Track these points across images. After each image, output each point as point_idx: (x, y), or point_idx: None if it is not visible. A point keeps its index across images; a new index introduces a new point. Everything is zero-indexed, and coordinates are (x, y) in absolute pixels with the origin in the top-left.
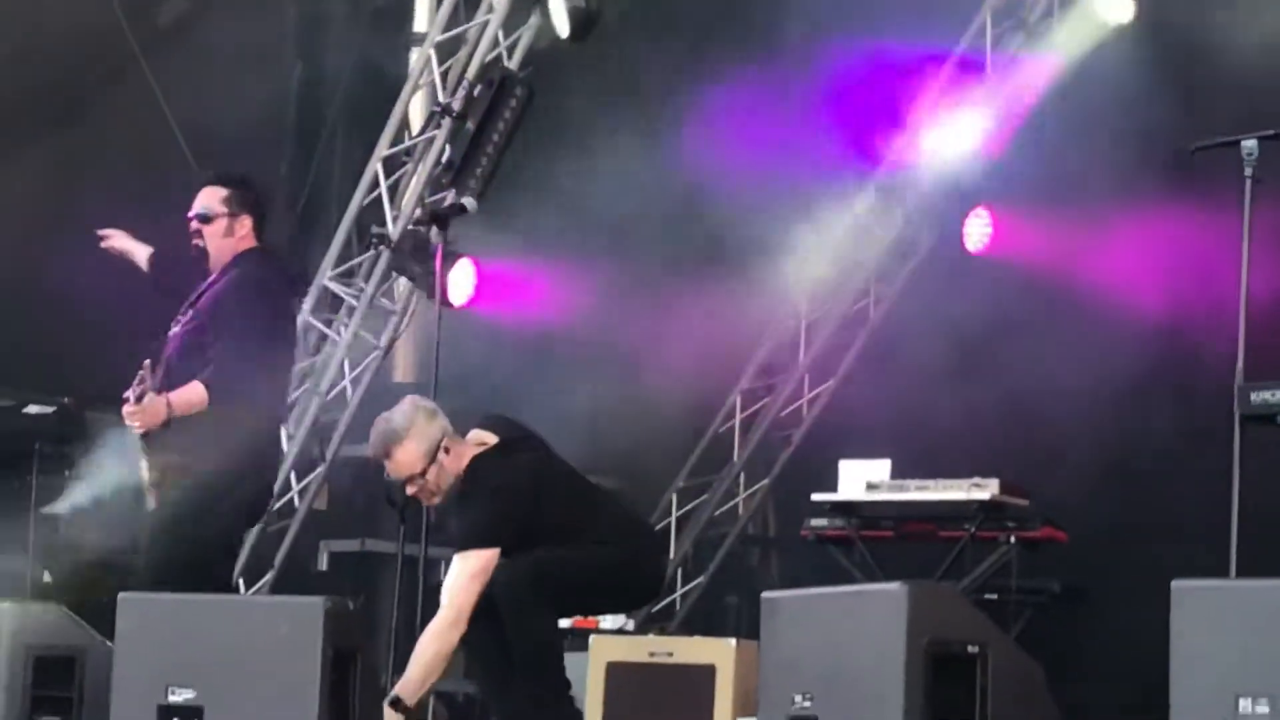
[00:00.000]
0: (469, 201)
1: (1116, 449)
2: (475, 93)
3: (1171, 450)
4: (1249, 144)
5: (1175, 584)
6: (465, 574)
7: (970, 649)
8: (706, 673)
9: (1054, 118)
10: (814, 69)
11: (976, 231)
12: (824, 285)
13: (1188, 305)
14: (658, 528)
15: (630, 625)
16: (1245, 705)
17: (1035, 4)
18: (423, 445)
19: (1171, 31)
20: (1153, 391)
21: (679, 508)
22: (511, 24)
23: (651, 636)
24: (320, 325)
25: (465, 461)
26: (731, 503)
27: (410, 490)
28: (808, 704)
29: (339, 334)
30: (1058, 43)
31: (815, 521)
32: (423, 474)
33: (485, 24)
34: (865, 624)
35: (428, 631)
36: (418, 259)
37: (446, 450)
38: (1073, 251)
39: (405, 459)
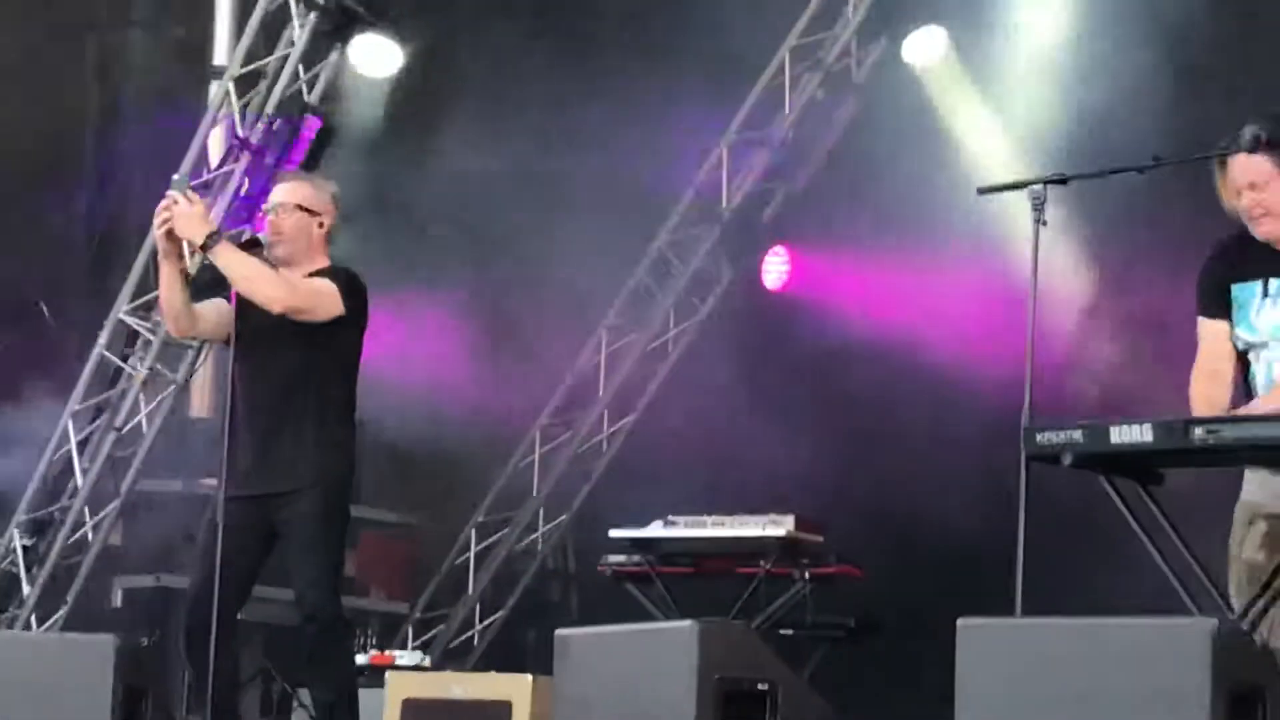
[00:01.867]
0: (263, 237)
1: (910, 486)
2: (274, 127)
3: (964, 487)
4: (1036, 188)
5: (961, 621)
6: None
7: (760, 686)
8: (503, 709)
9: (852, 157)
10: (612, 103)
11: (775, 268)
12: (625, 319)
13: (978, 344)
14: (457, 562)
15: (427, 661)
16: None
17: (834, 44)
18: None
19: (974, 71)
20: (944, 429)
21: (478, 542)
22: (312, 58)
23: (448, 673)
24: (116, 360)
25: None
26: (531, 537)
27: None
28: None
29: (135, 368)
30: (857, 83)
31: (613, 558)
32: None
33: (285, 58)
34: (657, 662)
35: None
36: (217, 292)
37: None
38: (869, 290)
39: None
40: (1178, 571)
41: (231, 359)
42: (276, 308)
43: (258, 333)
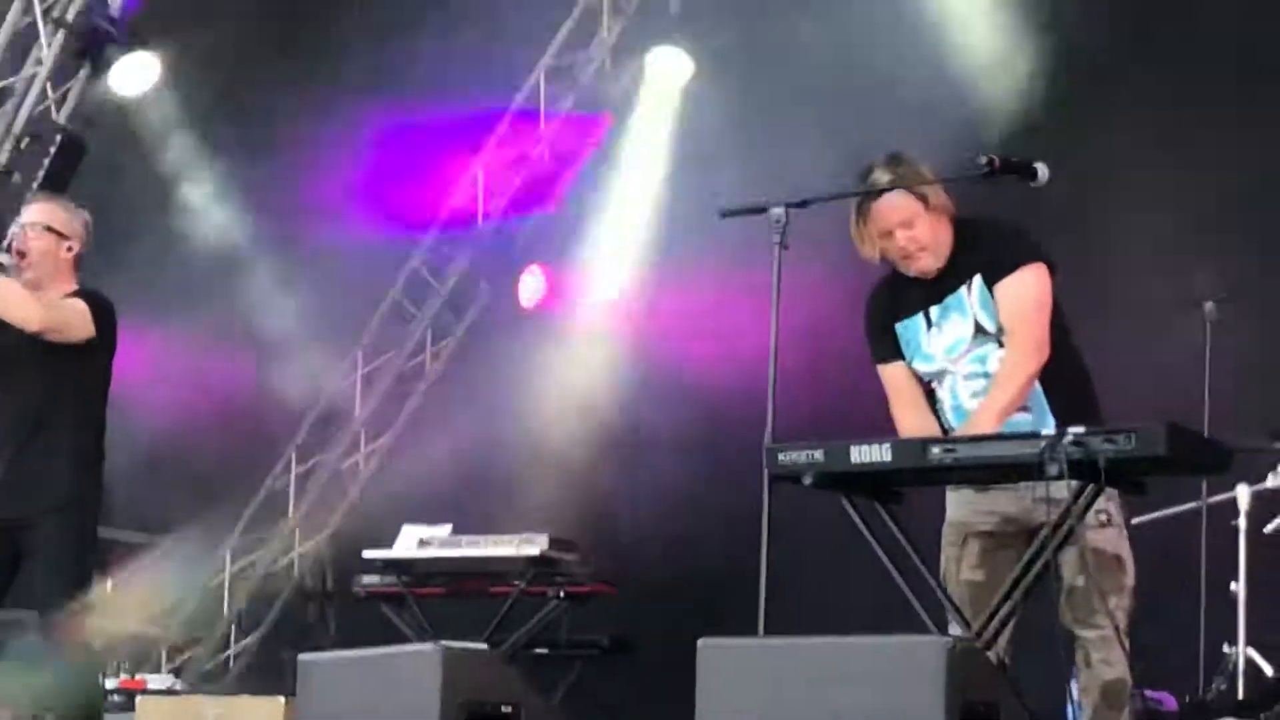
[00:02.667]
0: (6, 259)
1: (663, 504)
2: (23, 146)
3: (714, 505)
4: (777, 210)
5: (701, 642)
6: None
7: (505, 709)
8: None
9: (606, 175)
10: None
11: (531, 286)
12: (381, 339)
13: (732, 363)
14: (211, 583)
15: (179, 685)
16: None
17: (588, 64)
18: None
19: (728, 88)
20: (698, 447)
21: (233, 563)
22: (61, 78)
23: (200, 697)
24: None
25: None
26: (287, 558)
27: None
28: None
29: None
30: (610, 100)
31: (367, 578)
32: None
33: (33, 77)
34: (400, 686)
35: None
36: None
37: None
38: (625, 308)
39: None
40: (915, 590)
41: None
42: (32, 326)
43: (3, 356)
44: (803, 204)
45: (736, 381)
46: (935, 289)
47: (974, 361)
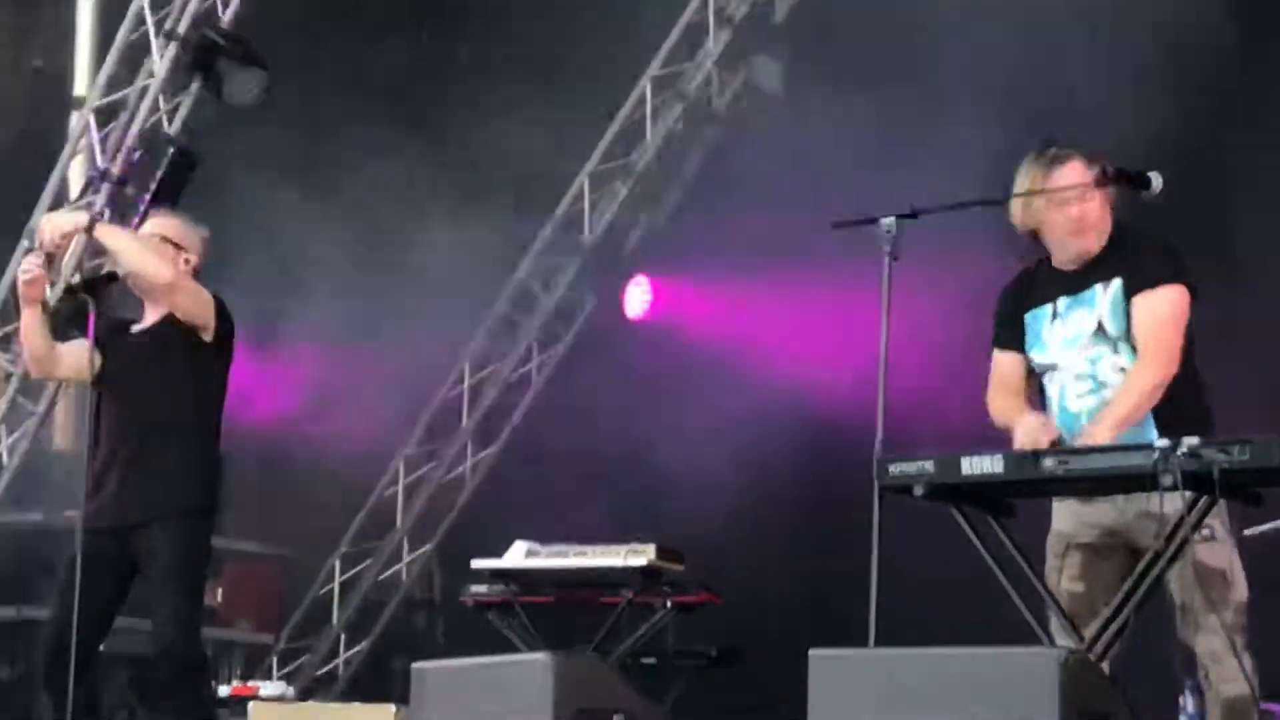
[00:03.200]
0: (121, 270)
1: (773, 513)
2: (135, 158)
3: (825, 516)
4: (887, 221)
5: (812, 652)
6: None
7: (616, 717)
8: None
9: (713, 187)
10: (475, 132)
11: (637, 297)
12: (488, 349)
13: (838, 374)
14: (321, 592)
15: (290, 692)
16: None
17: (695, 75)
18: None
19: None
20: (805, 458)
21: (342, 573)
22: (173, 89)
23: (311, 704)
24: None
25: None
26: (396, 568)
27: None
28: None
29: None
30: (717, 110)
31: (475, 588)
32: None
33: (145, 89)
34: (513, 694)
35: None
36: (76, 325)
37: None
38: (730, 318)
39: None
40: (1028, 601)
41: (94, 393)
42: (165, 278)
43: (122, 366)
44: (913, 215)
45: (845, 392)
46: (1073, 281)
47: (1087, 362)
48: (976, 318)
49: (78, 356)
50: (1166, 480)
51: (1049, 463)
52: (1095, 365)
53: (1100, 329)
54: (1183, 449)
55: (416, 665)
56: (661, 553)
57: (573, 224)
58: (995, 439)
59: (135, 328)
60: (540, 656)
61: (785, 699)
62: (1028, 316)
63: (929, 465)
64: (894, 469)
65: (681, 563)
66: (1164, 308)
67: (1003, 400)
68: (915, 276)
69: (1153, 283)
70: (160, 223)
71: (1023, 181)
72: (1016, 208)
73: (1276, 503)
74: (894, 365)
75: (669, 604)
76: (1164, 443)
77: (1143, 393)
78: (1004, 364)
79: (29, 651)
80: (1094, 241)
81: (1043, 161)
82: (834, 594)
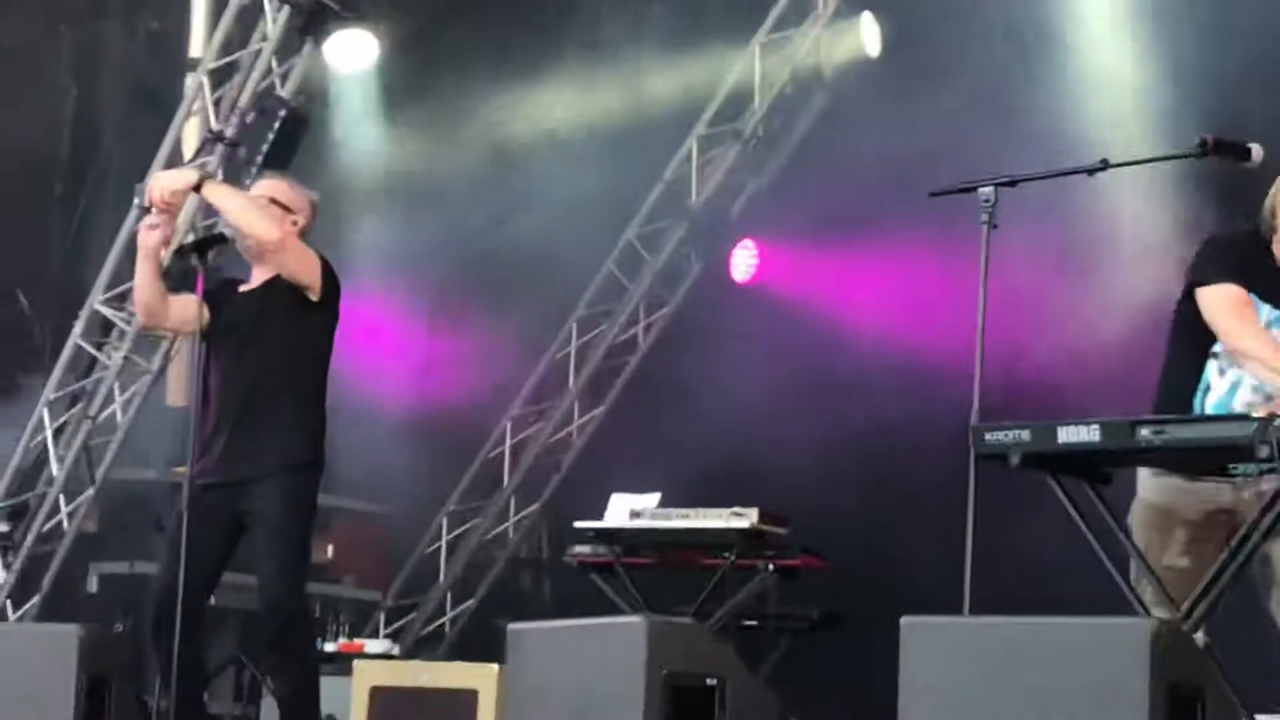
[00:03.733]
0: (229, 231)
1: (875, 479)
2: (248, 120)
3: (928, 481)
4: (986, 190)
5: (904, 620)
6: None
7: (709, 681)
8: (469, 698)
9: (820, 151)
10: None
11: (743, 262)
12: (595, 311)
13: (942, 341)
14: (428, 551)
15: (396, 649)
16: None
17: (802, 42)
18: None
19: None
20: (909, 424)
21: (449, 531)
22: (285, 52)
23: (415, 661)
24: (91, 349)
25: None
26: (502, 527)
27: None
28: None
29: (110, 358)
30: (825, 77)
31: (579, 548)
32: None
33: (258, 52)
34: (607, 656)
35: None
36: (186, 285)
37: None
38: (836, 283)
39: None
40: (1123, 571)
41: (203, 351)
42: (272, 236)
43: (231, 324)
44: (1012, 183)
45: (944, 359)
46: None
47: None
48: (1072, 287)
49: (185, 308)
50: (1263, 451)
51: (1146, 432)
52: (1266, 389)
53: None
54: (1279, 420)
55: (513, 626)
56: (764, 516)
57: (680, 187)
58: (1091, 408)
59: (243, 288)
60: (635, 620)
61: (885, 664)
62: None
63: (1025, 434)
64: (990, 437)
65: (784, 526)
66: None
67: (1259, 329)
68: (1015, 244)
69: None
70: (269, 184)
71: None
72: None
73: None
74: (992, 333)
75: (771, 567)
76: (1261, 414)
77: None
78: (1243, 295)
79: (141, 606)
80: None
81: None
82: (932, 561)
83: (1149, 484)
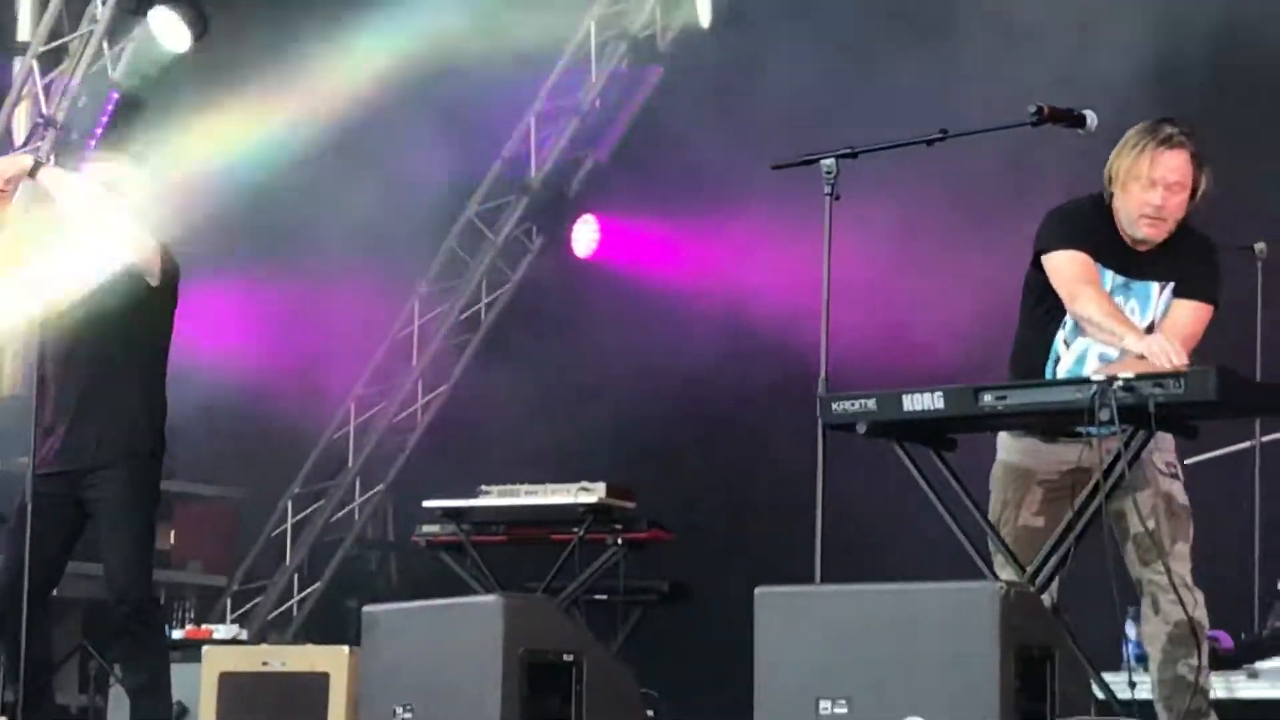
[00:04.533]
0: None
1: (718, 452)
2: (80, 104)
3: (770, 454)
4: (827, 162)
5: (758, 590)
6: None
7: (566, 657)
8: (321, 680)
9: (658, 125)
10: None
11: (584, 236)
12: (436, 289)
13: (779, 314)
14: (274, 534)
15: (244, 634)
16: (825, 707)
17: (638, 15)
18: None
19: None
20: (753, 395)
21: (295, 514)
22: (116, 34)
23: (265, 646)
24: None
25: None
26: (348, 509)
27: None
28: (408, 715)
29: None
30: (660, 49)
31: (428, 527)
32: None
33: (89, 34)
34: (463, 636)
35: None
36: None
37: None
38: (678, 257)
39: None
40: (970, 535)
41: (40, 337)
42: (146, 255)
43: (69, 310)
44: (853, 154)
45: (791, 332)
46: (1133, 265)
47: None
48: (914, 256)
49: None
50: (1103, 414)
51: (988, 398)
52: (1122, 357)
53: (1149, 328)
54: (1118, 383)
55: (367, 608)
56: (612, 490)
57: (519, 163)
58: (935, 377)
59: None
60: (489, 599)
61: (736, 634)
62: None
63: (871, 402)
64: (837, 406)
65: (632, 500)
66: (1191, 323)
67: (1101, 295)
68: (856, 215)
69: (1197, 295)
70: (102, 166)
71: (1127, 146)
72: (1118, 162)
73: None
74: (836, 304)
75: (620, 541)
76: (1100, 378)
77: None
78: (1087, 261)
79: None
80: (1162, 234)
81: (1158, 137)
82: (781, 531)
83: (1008, 445)
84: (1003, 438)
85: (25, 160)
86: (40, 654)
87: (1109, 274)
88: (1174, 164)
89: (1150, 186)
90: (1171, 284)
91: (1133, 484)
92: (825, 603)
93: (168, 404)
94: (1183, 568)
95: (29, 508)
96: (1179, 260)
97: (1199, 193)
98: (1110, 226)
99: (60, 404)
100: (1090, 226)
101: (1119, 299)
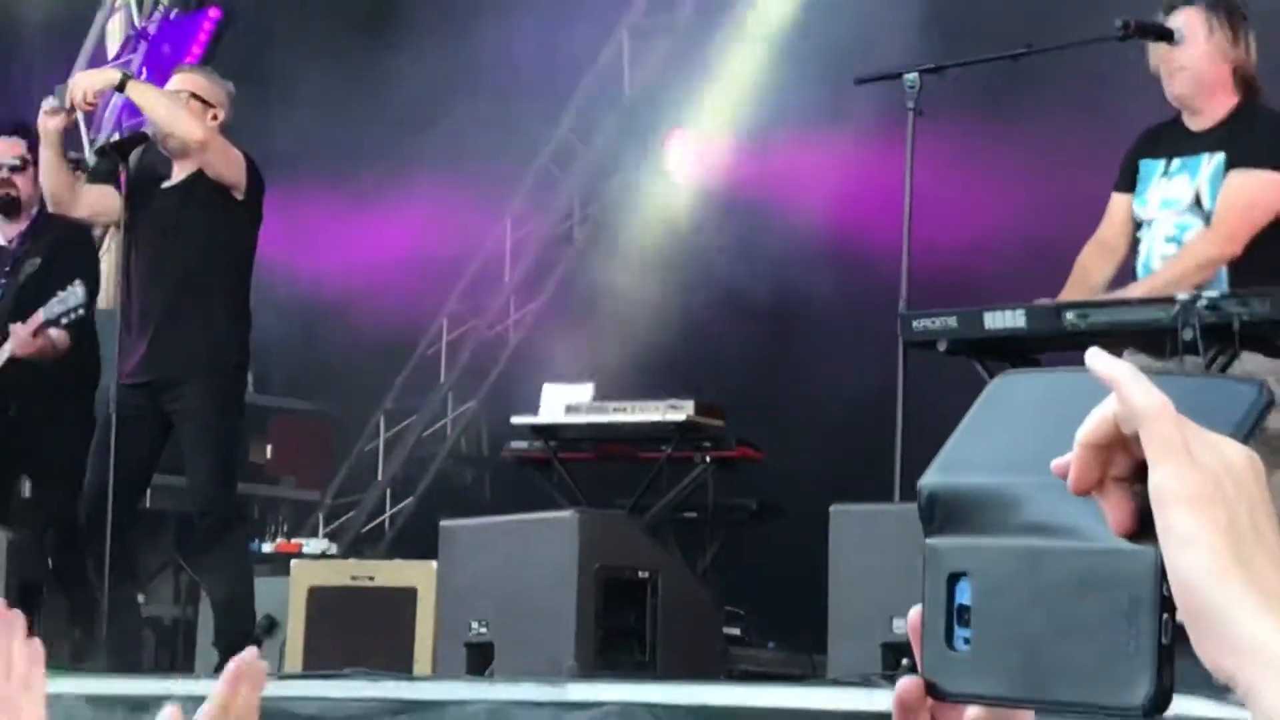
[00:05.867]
0: (150, 129)
1: (811, 370)
2: (171, 17)
3: (864, 370)
4: (910, 76)
5: (833, 508)
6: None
7: (641, 574)
8: (408, 595)
9: (746, 45)
10: None
11: (678, 154)
12: (529, 205)
13: (878, 230)
14: (367, 449)
15: (333, 549)
16: (900, 625)
17: None
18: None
19: None
20: (844, 313)
21: (387, 429)
22: None
23: (353, 560)
24: None
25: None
26: (440, 424)
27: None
28: (484, 630)
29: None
30: None
31: (515, 444)
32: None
33: None
34: (539, 551)
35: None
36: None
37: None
38: (771, 175)
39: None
40: None
41: (125, 248)
42: (196, 136)
43: (152, 221)
44: (936, 70)
45: (874, 248)
46: (1190, 144)
47: (1175, 227)
48: (1004, 176)
49: (99, 198)
50: (1187, 334)
51: (1070, 316)
52: (1183, 233)
53: (1197, 200)
54: (1202, 301)
55: (444, 523)
56: (700, 408)
57: (612, 78)
58: (1019, 293)
59: (165, 184)
60: (566, 514)
61: (824, 553)
62: (1143, 164)
63: (951, 320)
64: (917, 324)
65: (721, 418)
66: (1248, 190)
67: (1091, 249)
68: (944, 133)
69: (1250, 163)
70: (187, 78)
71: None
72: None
73: None
74: (919, 221)
75: (708, 459)
76: (1184, 296)
77: (1189, 266)
78: (1113, 207)
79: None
80: (1187, 84)
81: (1164, 7)
82: (868, 448)
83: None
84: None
85: (113, 74)
86: (128, 565)
87: (1176, 160)
88: (1174, 19)
89: (1168, 49)
90: (1221, 155)
91: None
92: (899, 520)
93: (252, 317)
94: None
95: (113, 418)
96: (1233, 132)
97: (1214, 39)
98: (1176, 125)
99: (144, 315)
100: (1142, 146)
101: (1177, 176)
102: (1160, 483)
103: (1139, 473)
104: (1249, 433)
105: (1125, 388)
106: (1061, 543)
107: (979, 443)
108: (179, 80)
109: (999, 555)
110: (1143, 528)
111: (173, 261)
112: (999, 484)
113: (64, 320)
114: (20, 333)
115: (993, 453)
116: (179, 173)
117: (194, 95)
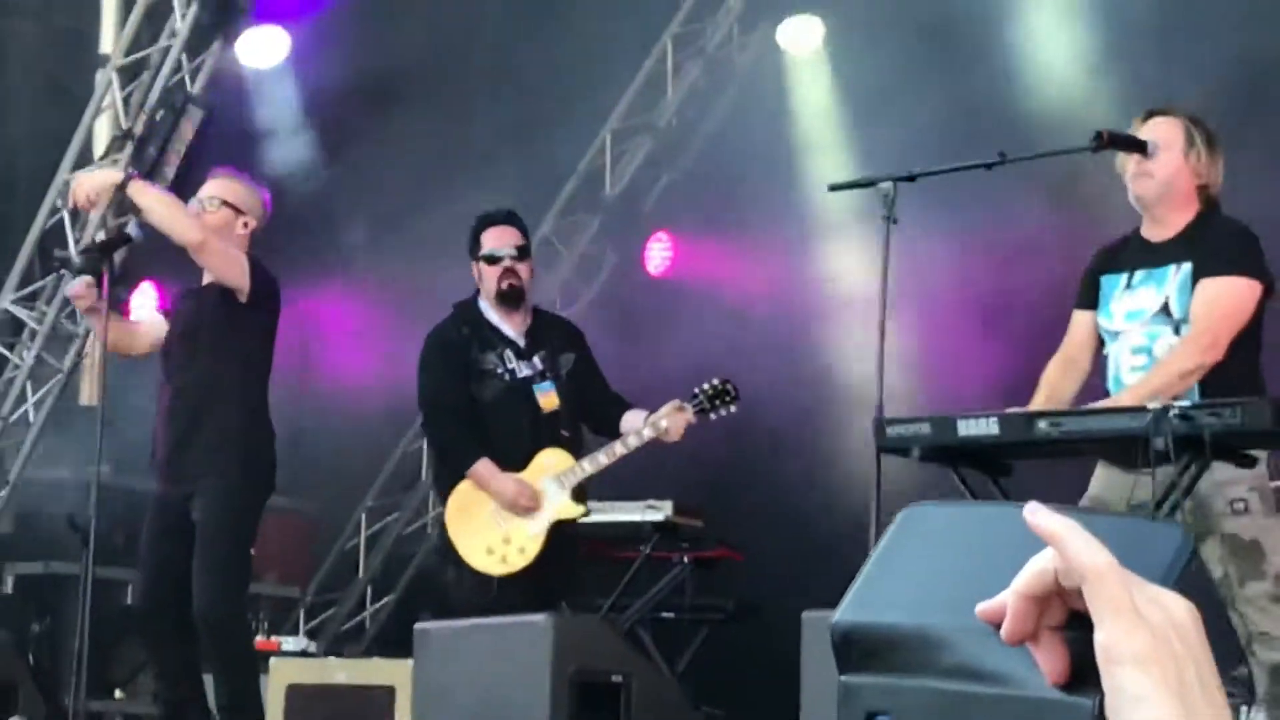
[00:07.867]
0: (133, 230)
1: (782, 474)
2: (157, 117)
3: (841, 473)
4: (885, 185)
5: (805, 615)
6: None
7: (615, 678)
8: (386, 694)
9: (732, 144)
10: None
11: (658, 254)
12: None
13: (854, 335)
14: (348, 546)
15: (312, 647)
16: None
17: (715, 32)
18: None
19: (850, 63)
20: (821, 417)
21: (368, 526)
22: (195, 49)
23: (332, 659)
24: (1, 349)
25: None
26: (421, 521)
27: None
28: None
29: (21, 358)
30: (737, 69)
31: None
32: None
33: (168, 48)
34: (513, 655)
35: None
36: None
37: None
38: (750, 277)
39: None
40: None
41: (161, 358)
42: (192, 237)
43: (176, 327)
44: (911, 178)
45: (851, 355)
46: (1153, 256)
47: (1145, 336)
48: (976, 282)
49: (153, 329)
50: (1159, 443)
51: (1043, 425)
52: (1153, 342)
53: (1165, 308)
54: (1174, 411)
55: (419, 625)
56: (679, 509)
57: (594, 181)
58: (993, 400)
59: (192, 288)
60: (540, 618)
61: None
62: (1104, 279)
63: (925, 427)
64: (892, 430)
65: (700, 519)
66: (1224, 298)
67: (1055, 365)
68: (919, 239)
69: (1220, 270)
70: (221, 184)
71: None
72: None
73: None
74: (896, 328)
75: (686, 559)
76: (1156, 405)
77: (1174, 373)
78: (1074, 323)
79: (59, 605)
80: (1152, 188)
81: (1142, 115)
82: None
83: (1096, 473)
84: (1098, 466)
85: (115, 175)
86: (190, 664)
87: (1139, 273)
88: (1153, 125)
89: (1138, 157)
90: (1189, 265)
91: (1198, 532)
92: None
93: (269, 425)
94: (1253, 608)
95: (146, 528)
96: (1197, 242)
97: (1193, 154)
98: (1135, 238)
99: (167, 421)
100: (1102, 261)
101: (1141, 287)
102: (1109, 643)
103: (1073, 621)
104: (1176, 579)
105: (1069, 545)
106: (992, 689)
107: (894, 579)
108: (213, 185)
109: (923, 697)
110: (1077, 677)
111: (190, 367)
112: (919, 624)
113: None
114: None
115: (909, 590)
116: (206, 277)
117: (225, 202)
